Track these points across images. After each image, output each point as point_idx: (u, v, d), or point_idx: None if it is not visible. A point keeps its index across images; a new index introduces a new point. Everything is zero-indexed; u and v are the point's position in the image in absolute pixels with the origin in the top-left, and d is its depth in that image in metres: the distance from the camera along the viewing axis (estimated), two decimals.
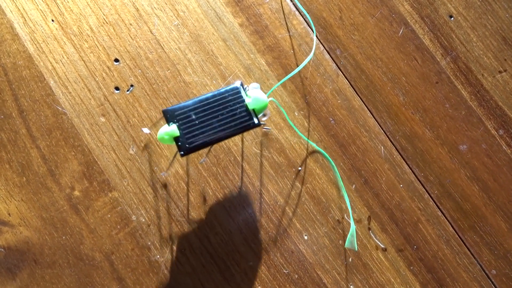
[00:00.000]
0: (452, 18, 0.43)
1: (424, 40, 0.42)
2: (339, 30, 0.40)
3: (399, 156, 0.38)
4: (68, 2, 0.37)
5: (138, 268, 0.33)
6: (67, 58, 0.36)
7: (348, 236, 0.34)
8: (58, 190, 0.33)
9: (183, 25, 0.38)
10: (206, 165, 0.35)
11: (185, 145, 0.29)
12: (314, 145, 0.37)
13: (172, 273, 0.33)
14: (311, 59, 0.39)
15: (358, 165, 0.37)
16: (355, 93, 0.39)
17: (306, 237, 0.35)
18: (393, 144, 0.38)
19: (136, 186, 0.34)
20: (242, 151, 0.36)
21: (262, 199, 0.35)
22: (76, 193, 0.33)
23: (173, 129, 0.29)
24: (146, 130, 0.34)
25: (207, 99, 0.30)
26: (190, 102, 0.30)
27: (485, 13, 0.43)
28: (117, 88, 0.36)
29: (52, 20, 0.36)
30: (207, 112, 0.29)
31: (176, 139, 0.29)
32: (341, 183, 0.36)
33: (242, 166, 0.36)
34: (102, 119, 0.35)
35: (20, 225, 0.32)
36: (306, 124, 0.37)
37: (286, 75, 0.38)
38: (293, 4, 0.40)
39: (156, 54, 0.37)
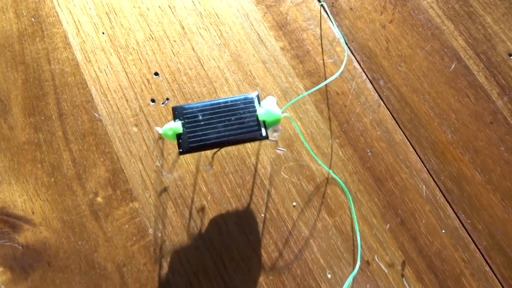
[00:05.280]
0: (511, 57, 0.40)
1: (478, 77, 0.39)
2: (385, 61, 0.39)
3: (443, 198, 0.35)
4: (120, 17, 0.39)
5: (148, 285, 0.32)
6: (111, 68, 0.37)
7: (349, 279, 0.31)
8: (82, 194, 0.34)
9: (225, 45, 0.39)
10: (230, 185, 0.34)
11: (186, 144, 0.29)
12: (331, 172, 0.35)
13: None
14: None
15: (395, 203, 0.34)
16: (397, 125, 0.37)
17: (329, 276, 0.32)
18: (437, 185, 0.35)
19: (158, 199, 0.34)
20: (270, 175, 0.35)
21: (285, 228, 0.33)
22: (99, 199, 0.34)
23: (177, 125, 0.29)
24: (159, 129, 0.34)
25: (219, 103, 0.30)
26: (201, 103, 0.30)
27: None
28: (153, 100, 0.36)
29: (103, 33, 0.39)
30: (215, 115, 0.30)
31: (179, 136, 0.28)
32: (355, 221, 0.33)
33: (268, 190, 0.34)
34: (135, 129, 0.36)
35: (41, 224, 0.33)
36: (341, 153, 0.35)
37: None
38: (339, 31, 0.40)
39: (195, 71, 0.38)
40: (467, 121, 0.38)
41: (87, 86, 0.37)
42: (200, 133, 0.30)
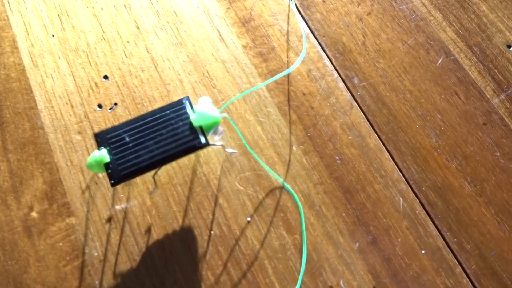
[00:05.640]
0: (510, 48, 0.35)
1: (470, 72, 0.34)
2: (360, 57, 0.35)
3: (424, 212, 0.30)
4: (72, 18, 0.37)
5: None
6: (58, 72, 0.35)
7: None
8: (16, 209, 0.31)
9: (181, 45, 0.36)
10: (178, 198, 0.30)
11: (116, 173, 0.25)
12: (282, 181, 0.30)
13: None
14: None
15: (366, 218, 0.30)
16: (371, 129, 0.32)
17: None
18: (417, 197, 0.30)
19: (97, 214, 0.30)
20: (223, 186, 0.31)
21: (237, 247, 0.29)
22: (34, 214, 0.31)
23: (101, 154, 0.25)
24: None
25: (144, 117, 0.27)
26: (126, 122, 0.27)
27: None
28: (100, 106, 0.34)
29: (53, 36, 0.36)
30: (143, 133, 0.26)
31: (107, 166, 0.25)
32: (304, 240, 0.29)
33: (220, 204, 0.30)
34: (78, 137, 0.33)
35: None
36: (305, 161, 0.31)
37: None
38: (308, 26, 0.36)
39: (148, 73, 0.35)
40: (456, 123, 0.32)
41: (31, 92, 0.34)
42: (130, 157, 0.26)
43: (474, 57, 0.35)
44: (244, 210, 0.30)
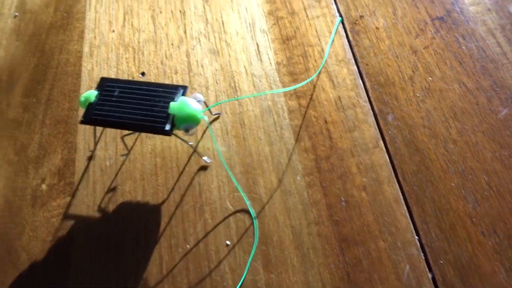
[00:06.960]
0: None
1: None
2: (403, 92, 0.29)
3: None
4: (133, 17, 0.39)
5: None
6: (106, 63, 0.36)
7: None
8: (32, 178, 0.32)
9: (219, 54, 0.34)
10: (167, 203, 0.28)
11: (89, 114, 0.27)
12: (252, 211, 0.26)
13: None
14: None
15: (358, 278, 0.24)
16: (393, 175, 0.26)
17: None
18: (430, 269, 0.23)
19: (93, 199, 0.30)
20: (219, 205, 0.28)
21: (207, 268, 0.26)
22: (44, 186, 0.32)
23: (90, 93, 0.28)
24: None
25: (140, 84, 0.28)
26: (127, 81, 0.28)
27: None
28: None
29: (113, 31, 0.38)
30: (131, 96, 0.27)
31: (88, 106, 0.27)
32: (247, 267, 0.23)
33: (204, 217, 0.27)
34: None
35: None
36: (306, 195, 0.27)
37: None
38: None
39: (180, 76, 0.34)
40: (506, 191, 0.25)
41: (80, 76, 0.36)
42: (107, 108, 0.27)
43: None
44: (226, 232, 0.27)
